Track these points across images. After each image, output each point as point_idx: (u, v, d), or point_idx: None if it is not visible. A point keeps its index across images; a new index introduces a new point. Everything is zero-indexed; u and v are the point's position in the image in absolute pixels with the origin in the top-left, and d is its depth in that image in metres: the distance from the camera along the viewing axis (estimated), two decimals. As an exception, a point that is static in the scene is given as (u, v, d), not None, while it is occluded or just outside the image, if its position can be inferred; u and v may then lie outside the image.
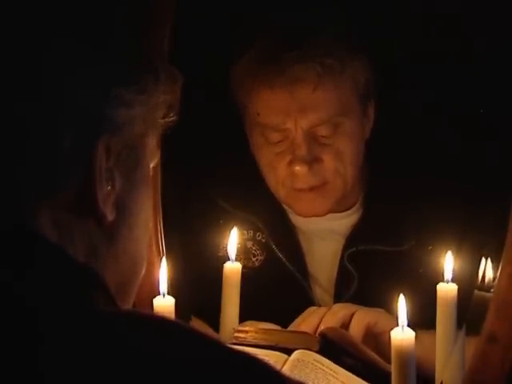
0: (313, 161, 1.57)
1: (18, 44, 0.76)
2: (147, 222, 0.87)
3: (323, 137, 1.57)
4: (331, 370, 1.28)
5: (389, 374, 1.20)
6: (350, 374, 1.28)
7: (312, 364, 1.29)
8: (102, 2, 0.82)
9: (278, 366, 1.26)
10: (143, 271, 0.88)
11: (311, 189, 1.60)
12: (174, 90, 0.86)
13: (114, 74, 0.80)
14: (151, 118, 0.84)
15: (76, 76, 0.77)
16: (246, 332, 1.37)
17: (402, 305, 1.21)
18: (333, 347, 1.33)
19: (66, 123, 0.77)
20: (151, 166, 0.87)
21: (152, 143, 0.86)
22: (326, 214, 1.65)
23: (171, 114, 0.87)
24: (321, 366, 1.29)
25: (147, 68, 0.83)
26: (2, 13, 0.77)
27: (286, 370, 1.26)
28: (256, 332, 1.37)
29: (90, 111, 0.78)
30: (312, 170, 1.57)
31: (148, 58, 0.84)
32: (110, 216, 0.80)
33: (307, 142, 1.56)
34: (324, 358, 1.30)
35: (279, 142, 1.58)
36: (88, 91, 0.78)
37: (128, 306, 0.87)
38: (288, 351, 1.32)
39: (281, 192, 1.64)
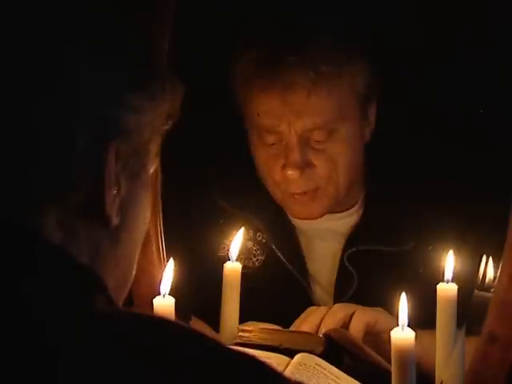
0: (305, 166, 1.56)
1: (34, 47, 0.77)
2: (144, 227, 0.88)
3: (317, 142, 1.56)
4: (333, 374, 1.28)
5: (389, 374, 1.20)
6: (351, 379, 1.28)
7: (314, 368, 1.29)
8: (113, 8, 0.83)
9: (280, 369, 1.26)
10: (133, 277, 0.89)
11: (304, 193, 1.59)
12: (175, 99, 0.86)
13: (123, 79, 0.81)
14: (157, 125, 0.85)
15: (87, 79, 0.78)
16: (250, 331, 1.37)
17: (403, 304, 1.21)
18: (336, 348, 1.33)
19: (78, 124, 0.78)
20: (150, 172, 0.88)
21: (154, 150, 0.87)
22: (321, 216, 1.64)
23: (169, 122, 0.88)
24: (322, 370, 1.28)
25: (155, 75, 0.84)
26: (19, 17, 0.78)
27: (287, 373, 1.26)
28: (260, 332, 1.37)
29: (100, 113, 0.79)
30: (304, 175, 1.56)
31: (155, 66, 0.85)
32: (116, 220, 0.81)
33: (301, 147, 1.55)
34: (326, 362, 1.30)
35: (273, 144, 1.58)
36: (99, 94, 0.79)
37: None
38: (290, 353, 1.32)
39: (277, 194, 1.64)
